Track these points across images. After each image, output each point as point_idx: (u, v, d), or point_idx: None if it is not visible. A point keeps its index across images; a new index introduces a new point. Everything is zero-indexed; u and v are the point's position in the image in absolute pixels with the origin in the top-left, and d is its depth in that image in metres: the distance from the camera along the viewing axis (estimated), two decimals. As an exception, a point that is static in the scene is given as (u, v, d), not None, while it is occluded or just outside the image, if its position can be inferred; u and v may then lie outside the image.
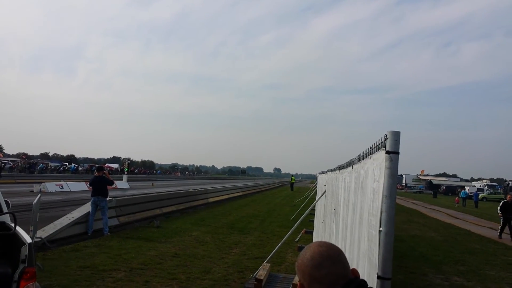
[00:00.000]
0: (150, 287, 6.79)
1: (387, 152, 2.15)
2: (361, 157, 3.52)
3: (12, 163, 54.87)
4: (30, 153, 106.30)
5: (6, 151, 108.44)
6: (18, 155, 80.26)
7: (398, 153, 2.14)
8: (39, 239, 8.98)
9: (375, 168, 2.51)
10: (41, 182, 27.96)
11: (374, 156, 2.68)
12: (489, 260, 11.66)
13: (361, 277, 1.35)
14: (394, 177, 2.12)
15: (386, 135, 2.23)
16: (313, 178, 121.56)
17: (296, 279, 6.57)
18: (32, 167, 55.89)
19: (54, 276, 6.94)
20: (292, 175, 63.57)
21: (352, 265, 1.26)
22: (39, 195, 8.74)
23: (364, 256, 2.72)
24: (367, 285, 1.29)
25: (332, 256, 1.29)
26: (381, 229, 2.13)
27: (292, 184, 53.43)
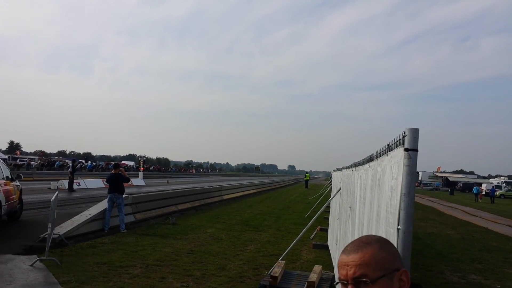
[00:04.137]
0: (166, 283, 6.83)
1: (406, 150, 2.12)
2: (378, 154, 3.48)
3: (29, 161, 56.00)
4: (47, 151, 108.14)
5: (24, 149, 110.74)
6: (36, 153, 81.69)
7: (417, 150, 2.11)
8: (57, 235, 9.13)
9: (393, 166, 2.48)
10: (58, 180, 28.36)
11: (392, 153, 2.65)
12: (507, 258, 11.46)
13: None
14: (413, 174, 2.09)
15: (404, 132, 2.20)
16: (327, 175, 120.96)
17: (313, 276, 6.54)
18: (51, 165, 56.93)
19: (71, 272, 7.04)
20: (307, 172, 63.26)
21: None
22: (57, 192, 8.88)
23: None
24: None
25: None
26: (399, 227, 2.11)
27: (306, 181, 53.18)
